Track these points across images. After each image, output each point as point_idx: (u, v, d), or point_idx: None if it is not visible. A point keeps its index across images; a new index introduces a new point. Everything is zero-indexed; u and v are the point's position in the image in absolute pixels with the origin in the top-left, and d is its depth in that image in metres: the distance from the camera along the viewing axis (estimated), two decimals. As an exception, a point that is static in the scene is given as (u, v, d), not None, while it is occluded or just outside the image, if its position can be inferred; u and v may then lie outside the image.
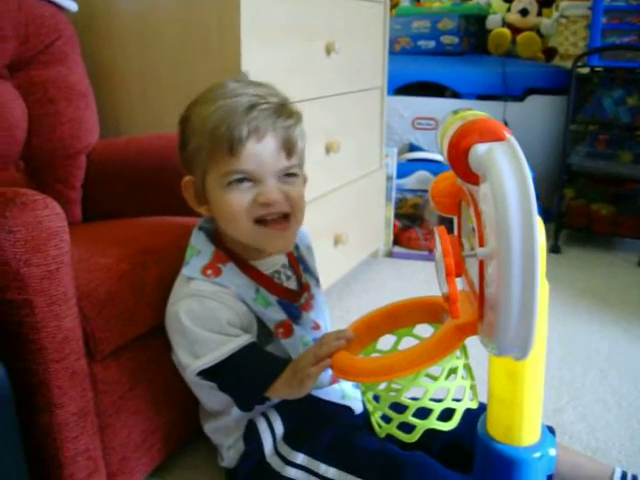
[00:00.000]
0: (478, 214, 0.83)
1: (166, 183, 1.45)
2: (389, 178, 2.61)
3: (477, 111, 0.89)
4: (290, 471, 1.13)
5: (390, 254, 2.71)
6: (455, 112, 0.92)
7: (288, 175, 1.09)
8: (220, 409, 1.20)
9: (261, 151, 1.04)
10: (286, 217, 1.09)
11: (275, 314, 1.12)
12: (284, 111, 1.08)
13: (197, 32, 1.60)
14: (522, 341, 0.78)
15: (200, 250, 1.12)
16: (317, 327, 1.20)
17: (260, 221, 1.07)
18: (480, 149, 0.78)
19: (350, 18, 2.07)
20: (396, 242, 2.76)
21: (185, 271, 1.10)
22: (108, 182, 1.60)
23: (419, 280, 2.42)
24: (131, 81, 1.76)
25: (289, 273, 1.20)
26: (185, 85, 1.63)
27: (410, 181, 2.78)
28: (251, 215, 1.06)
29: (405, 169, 2.78)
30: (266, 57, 1.63)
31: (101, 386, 1.09)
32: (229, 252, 1.13)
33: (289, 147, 1.07)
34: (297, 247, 1.26)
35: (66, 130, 1.56)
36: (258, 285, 1.12)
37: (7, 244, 0.90)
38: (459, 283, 0.94)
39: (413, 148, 3.03)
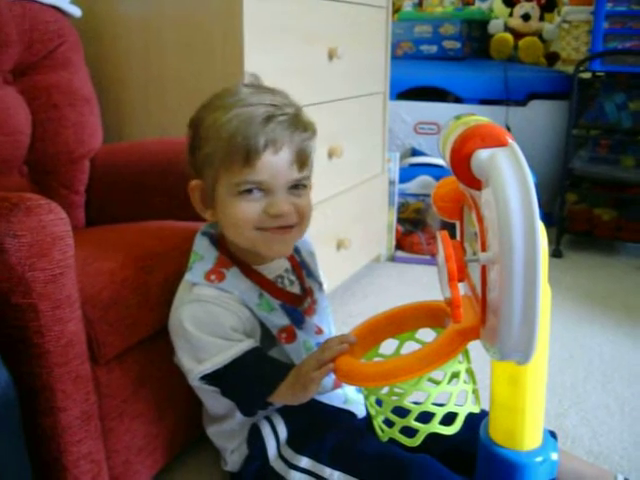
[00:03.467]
0: (480, 219, 0.83)
1: (170, 187, 1.46)
2: (391, 183, 2.62)
3: (479, 116, 0.89)
4: (294, 475, 1.13)
5: (393, 258, 2.72)
6: (457, 117, 0.93)
7: (297, 187, 1.09)
8: (224, 413, 1.20)
9: (276, 163, 1.04)
10: (291, 226, 1.10)
11: (278, 319, 1.12)
12: (300, 123, 1.08)
13: (200, 38, 1.60)
14: (524, 346, 0.78)
15: (203, 255, 1.12)
16: (320, 332, 1.20)
17: (264, 229, 1.07)
18: (482, 155, 0.78)
19: (352, 23, 2.08)
20: (398, 247, 2.76)
21: (188, 276, 1.10)
22: (112, 186, 1.61)
23: (422, 284, 2.43)
24: (134, 86, 1.77)
25: (292, 278, 1.20)
26: (188, 91, 1.64)
27: (412, 186, 2.78)
28: (258, 224, 1.06)
29: (407, 174, 2.78)
30: (268, 62, 1.64)
31: (104, 390, 1.10)
32: (232, 257, 1.13)
33: (303, 160, 1.08)
34: (299, 252, 1.26)
35: (70, 135, 1.57)
36: (262, 290, 1.12)
37: (12, 249, 0.90)
38: (461, 288, 0.95)
39: (415, 153, 3.03)
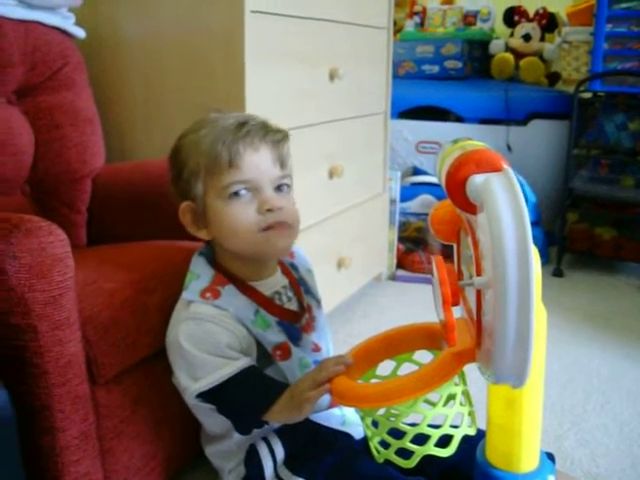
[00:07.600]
0: (476, 243, 0.84)
1: (170, 208, 1.47)
2: (393, 202, 2.63)
3: (476, 141, 0.90)
4: (291, 496, 1.13)
5: (393, 277, 2.72)
6: (454, 141, 0.94)
7: (281, 187, 1.14)
8: (221, 432, 1.20)
9: (258, 160, 1.09)
10: (288, 224, 1.13)
11: (274, 336, 1.13)
12: (271, 127, 1.14)
13: (201, 60, 1.62)
14: (518, 370, 0.78)
15: (199, 274, 1.13)
16: (317, 349, 1.21)
17: (265, 229, 1.10)
18: (477, 180, 0.79)
19: (354, 43, 2.09)
20: (399, 265, 2.77)
21: (185, 295, 1.12)
22: (113, 206, 1.62)
23: (423, 304, 2.40)
24: (136, 107, 1.78)
25: (290, 294, 1.21)
26: (189, 112, 1.64)
27: (414, 205, 2.79)
28: (258, 225, 1.09)
29: (409, 193, 2.80)
30: (270, 84, 1.65)
31: (103, 410, 1.10)
32: (228, 275, 1.14)
33: (282, 158, 1.13)
34: (297, 269, 1.27)
35: (72, 155, 1.58)
36: (258, 306, 1.13)
37: (12, 270, 0.91)
38: (458, 310, 0.96)
39: (417, 172, 3.05)
